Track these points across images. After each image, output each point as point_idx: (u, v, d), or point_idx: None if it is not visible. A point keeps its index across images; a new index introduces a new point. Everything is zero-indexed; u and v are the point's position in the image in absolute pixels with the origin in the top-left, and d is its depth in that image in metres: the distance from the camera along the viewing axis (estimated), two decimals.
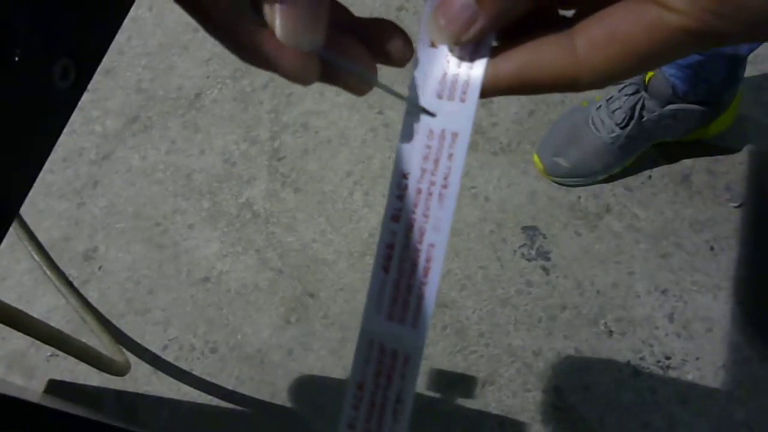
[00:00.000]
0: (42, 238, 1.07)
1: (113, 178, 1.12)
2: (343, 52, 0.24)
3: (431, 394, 0.95)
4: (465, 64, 0.24)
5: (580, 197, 1.06)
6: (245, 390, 0.98)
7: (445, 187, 0.24)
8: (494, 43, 0.24)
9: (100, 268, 1.06)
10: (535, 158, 1.06)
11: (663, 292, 0.99)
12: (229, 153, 1.13)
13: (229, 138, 1.14)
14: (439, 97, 0.25)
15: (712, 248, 1.01)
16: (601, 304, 0.99)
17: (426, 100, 0.25)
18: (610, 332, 0.97)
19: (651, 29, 0.20)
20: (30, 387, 0.99)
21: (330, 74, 0.24)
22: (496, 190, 1.07)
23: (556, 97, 1.14)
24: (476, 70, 0.24)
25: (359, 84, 0.25)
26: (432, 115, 0.25)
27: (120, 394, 0.98)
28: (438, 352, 0.97)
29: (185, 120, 1.17)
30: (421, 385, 0.95)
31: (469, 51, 0.24)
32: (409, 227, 0.25)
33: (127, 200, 1.10)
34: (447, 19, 0.23)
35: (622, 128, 1.01)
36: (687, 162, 1.07)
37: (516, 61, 0.23)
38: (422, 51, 0.25)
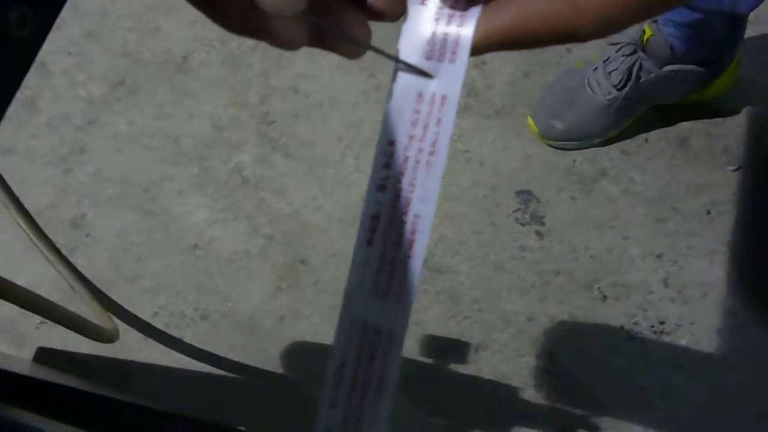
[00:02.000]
0: (28, 205, 1.05)
1: (100, 144, 1.10)
2: (330, 14, 0.22)
3: (424, 359, 0.94)
4: (455, 20, 0.22)
5: (575, 161, 1.05)
6: (236, 357, 0.97)
7: (432, 154, 0.23)
8: None
9: (88, 235, 1.05)
10: (530, 121, 1.04)
11: (658, 257, 0.98)
12: (217, 117, 1.10)
13: (218, 102, 1.12)
14: (428, 58, 0.23)
15: (708, 212, 1.00)
16: (595, 269, 0.98)
17: (414, 61, 0.23)
18: (604, 297, 0.96)
19: None
20: (20, 355, 0.99)
21: (319, 39, 0.23)
22: (491, 154, 1.06)
23: (552, 58, 1.12)
24: (466, 26, 0.22)
25: (351, 47, 0.23)
26: (429, 76, 0.23)
27: (111, 362, 0.98)
28: (431, 318, 0.96)
29: (172, 84, 1.14)
30: (414, 350, 0.94)
31: (460, 4, 0.22)
32: (396, 197, 0.23)
33: (115, 166, 1.08)
34: None
35: (618, 90, 0.98)
36: (685, 125, 1.05)
37: (510, 12, 0.21)
38: (412, 8, 0.23)
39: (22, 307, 0.63)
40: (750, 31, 1.00)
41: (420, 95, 0.23)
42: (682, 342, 0.93)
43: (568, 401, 0.92)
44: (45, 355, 0.97)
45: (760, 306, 0.94)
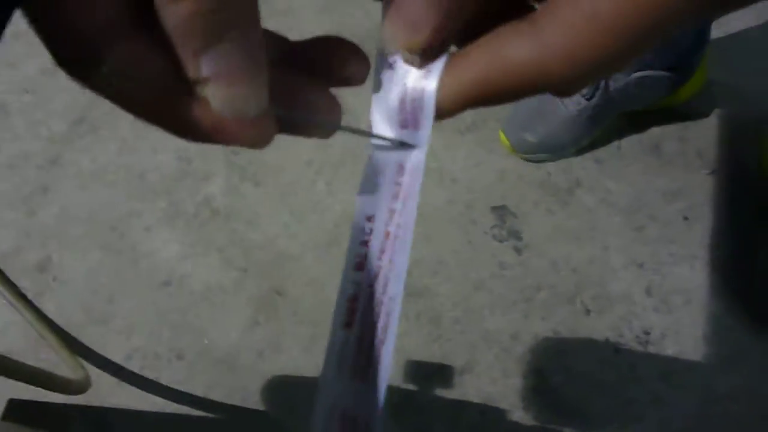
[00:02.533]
0: None
1: (63, 183, 1.07)
2: (296, 99, 0.20)
3: (409, 387, 0.92)
4: (421, 82, 0.20)
5: (549, 173, 1.03)
6: (216, 396, 0.94)
7: (403, 227, 0.21)
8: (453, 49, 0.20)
9: (54, 278, 1.01)
10: (502, 135, 1.03)
11: (639, 266, 0.97)
12: (183, 149, 1.08)
13: None
14: (403, 126, 0.21)
15: (686, 218, 0.99)
16: (577, 282, 0.97)
17: (390, 132, 0.22)
18: (588, 310, 0.95)
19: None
20: None
21: (287, 127, 0.20)
22: (464, 171, 1.04)
23: None
24: (429, 85, 0.20)
25: (323, 129, 0.21)
26: (410, 146, 0.21)
27: (86, 410, 0.94)
28: (413, 343, 0.94)
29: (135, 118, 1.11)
30: (398, 378, 0.92)
31: (417, 60, 0.20)
32: (375, 276, 0.21)
33: (80, 205, 1.05)
34: (396, 20, 0.19)
35: (588, 99, 0.97)
36: (656, 130, 1.05)
37: (475, 65, 0.18)
38: (381, 75, 0.21)
39: None
40: (715, 33, 1.00)
41: (401, 166, 0.21)
42: (669, 351, 0.92)
43: (558, 420, 0.90)
44: (15, 408, 0.93)
45: (744, 309, 0.93)
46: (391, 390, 0.91)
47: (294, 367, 0.94)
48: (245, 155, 1.07)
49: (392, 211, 0.21)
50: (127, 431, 0.93)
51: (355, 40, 0.21)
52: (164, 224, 1.04)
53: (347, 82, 0.21)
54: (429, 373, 0.93)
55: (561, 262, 0.98)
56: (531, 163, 1.03)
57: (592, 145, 1.03)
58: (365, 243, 0.21)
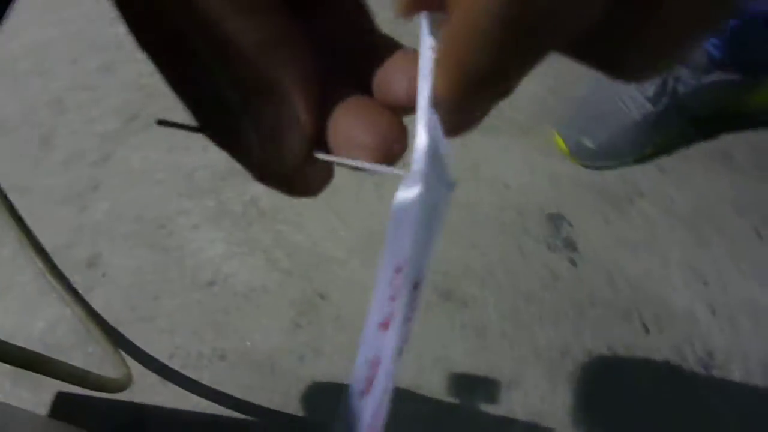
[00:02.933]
0: (45, 245, 1.04)
1: (114, 180, 1.08)
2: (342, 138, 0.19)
3: (451, 399, 0.88)
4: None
5: (609, 180, 0.98)
6: (256, 398, 0.93)
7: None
8: None
9: (104, 275, 1.02)
10: (558, 139, 0.98)
11: (704, 283, 0.90)
12: None
13: None
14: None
15: (758, 233, 0.92)
16: (635, 298, 0.91)
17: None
18: (646, 328, 0.89)
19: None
20: (37, 399, 0.96)
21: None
22: (517, 176, 1.00)
23: (580, 70, 1.05)
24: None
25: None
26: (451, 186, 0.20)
27: (127, 406, 0.94)
28: (457, 354, 0.91)
29: (186, 116, 1.11)
30: (440, 388, 0.89)
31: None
32: (400, 337, 0.20)
33: (129, 203, 1.06)
34: None
35: (653, 104, 0.92)
36: (727, 138, 0.98)
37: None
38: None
39: (19, 366, 0.60)
40: None
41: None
42: (735, 375, 0.85)
43: None
44: (63, 401, 0.94)
45: None
46: (432, 402, 0.88)
47: (334, 373, 0.92)
48: None
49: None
50: (165, 429, 0.93)
51: None
52: (211, 223, 1.03)
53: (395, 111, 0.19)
54: (473, 386, 0.89)
55: (618, 275, 0.92)
56: (589, 170, 0.98)
57: (656, 152, 0.97)
58: (393, 297, 0.19)
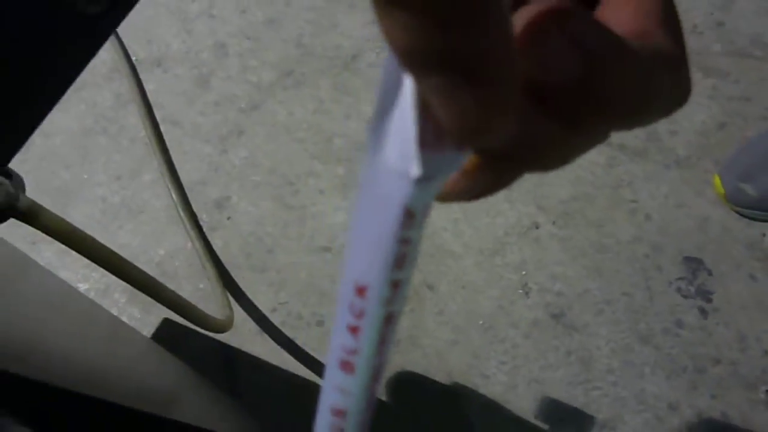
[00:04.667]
0: (183, 178, 1.09)
1: (258, 130, 1.11)
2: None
3: (538, 423, 0.84)
4: None
5: (764, 235, 0.89)
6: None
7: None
8: None
9: (229, 218, 1.06)
10: (716, 180, 0.90)
11: None
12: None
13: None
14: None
15: None
16: (765, 367, 0.82)
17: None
18: None
19: None
20: (146, 320, 1.01)
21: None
22: (661, 209, 0.93)
23: (758, 110, 0.96)
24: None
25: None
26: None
27: (224, 347, 0.98)
28: (556, 379, 0.86)
29: (337, 81, 1.12)
30: (530, 410, 0.85)
31: None
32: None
33: (267, 154, 1.09)
34: None
35: None
36: None
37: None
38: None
39: (130, 284, 0.63)
40: None
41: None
42: None
43: None
44: (166, 328, 0.99)
45: None
46: (515, 421, 0.85)
47: (426, 366, 0.90)
48: None
49: (397, 283, 0.15)
50: (252, 380, 0.95)
51: None
52: (338, 190, 1.04)
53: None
54: (565, 417, 0.84)
55: (752, 338, 0.84)
56: (743, 219, 0.89)
57: None
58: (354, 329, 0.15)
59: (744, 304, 0.86)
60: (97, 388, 0.51)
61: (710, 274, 0.88)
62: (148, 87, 1.17)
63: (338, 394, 0.16)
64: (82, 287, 1.03)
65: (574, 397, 0.85)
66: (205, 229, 1.05)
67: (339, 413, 0.17)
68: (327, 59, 1.15)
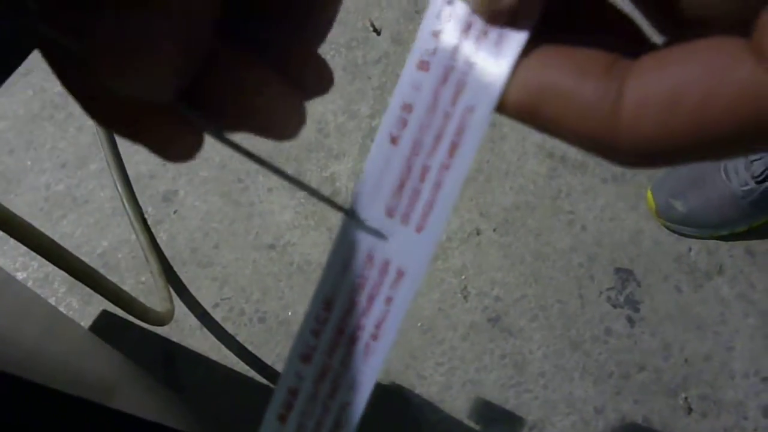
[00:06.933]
0: (130, 171, 1.08)
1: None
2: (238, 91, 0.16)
3: (471, 424, 0.87)
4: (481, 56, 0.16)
5: (690, 249, 0.94)
6: (282, 368, 0.94)
7: (375, 338, 0.17)
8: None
9: (175, 212, 1.05)
10: (649, 195, 0.94)
11: (763, 380, 0.85)
12: (324, 122, 1.08)
13: (329, 107, 1.10)
14: (390, 215, 0.17)
15: None
16: (686, 375, 0.87)
17: (372, 213, 0.18)
18: (690, 409, 0.85)
19: (739, 99, 0.12)
20: (85, 311, 1.00)
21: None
22: (596, 221, 0.97)
23: None
24: (497, 69, 0.16)
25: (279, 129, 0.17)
26: (383, 237, 0.17)
27: (165, 341, 0.97)
28: (490, 381, 0.89)
29: None
30: (463, 410, 0.87)
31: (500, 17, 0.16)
32: (321, 375, 0.18)
33: (216, 150, 1.09)
34: None
35: (758, 182, 0.87)
36: None
37: (530, 81, 0.15)
38: (379, 145, 0.18)
39: (70, 274, 0.63)
40: None
41: (370, 257, 0.18)
42: None
43: None
44: (105, 320, 0.99)
45: None
46: (448, 420, 0.87)
47: None
48: None
49: (352, 306, 0.18)
50: (191, 373, 0.96)
51: None
52: (286, 189, 1.05)
53: (305, 91, 0.18)
54: (496, 418, 0.87)
55: (675, 347, 0.88)
56: (672, 234, 0.94)
57: (748, 233, 0.92)
58: (317, 333, 0.18)
59: (669, 314, 0.90)
60: (34, 372, 0.51)
61: (639, 284, 0.92)
62: None
63: (295, 378, 0.19)
64: (20, 275, 1.02)
65: (507, 399, 0.88)
66: (150, 223, 1.05)
67: (293, 394, 0.19)
68: None
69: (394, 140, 0.17)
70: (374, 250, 0.17)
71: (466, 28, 0.16)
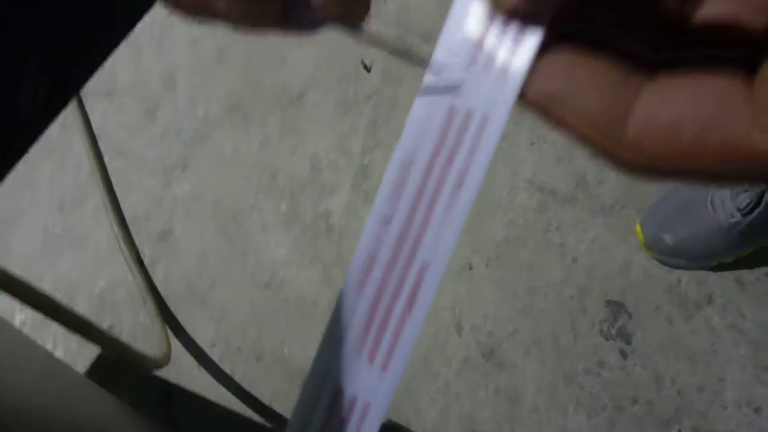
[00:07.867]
0: (126, 210, 1.09)
1: (203, 163, 1.13)
2: None
3: None
4: (508, 42, 0.17)
5: (680, 280, 0.95)
6: (280, 407, 0.95)
7: (458, 188, 0.18)
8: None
9: (171, 251, 1.07)
10: (638, 228, 0.95)
11: (756, 411, 0.86)
12: (317, 159, 1.10)
13: (322, 144, 1.11)
14: (472, 64, 0.18)
15: None
16: (678, 407, 0.88)
17: (454, 66, 0.18)
18: None
19: (728, 148, 0.14)
20: (81, 355, 1.01)
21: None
22: (587, 254, 0.98)
23: None
24: (518, 60, 0.17)
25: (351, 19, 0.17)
26: (455, 88, 0.18)
27: (161, 382, 0.98)
28: (484, 416, 0.90)
29: (284, 117, 1.15)
30: None
31: (512, 30, 0.17)
32: (402, 238, 0.19)
33: (211, 188, 1.10)
34: None
35: (744, 215, 0.88)
36: None
37: (547, 81, 0.16)
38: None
39: (69, 328, 0.64)
40: None
41: (452, 111, 0.18)
42: None
43: None
44: (102, 362, 0.99)
45: None
46: None
47: None
48: (374, 182, 1.07)
49: (433, 164, 0.18)
50: (188, 413, 0.96)
51: None
52: (281, 226, 1.06)
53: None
54: None
55: (667, 379, 0.89)
56: (663, 266, 0.95)
57: (737, 264, 0.93)
58: (396, 198, 0.19)
59: (661, 345, 0.91)
60: (28, 422, 0.52)
61: (630, 317, 0.93)
62: (94, 118, 1.18)
63: (375, 242, 0.20)
64: (19, 317, 1.03)
65: None
66: (146, 262, 1.06)
67: (372, 257, 0.20)
68: (274, 95, 1.17)
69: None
70: (456, 102, 0.18)
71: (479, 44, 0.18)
